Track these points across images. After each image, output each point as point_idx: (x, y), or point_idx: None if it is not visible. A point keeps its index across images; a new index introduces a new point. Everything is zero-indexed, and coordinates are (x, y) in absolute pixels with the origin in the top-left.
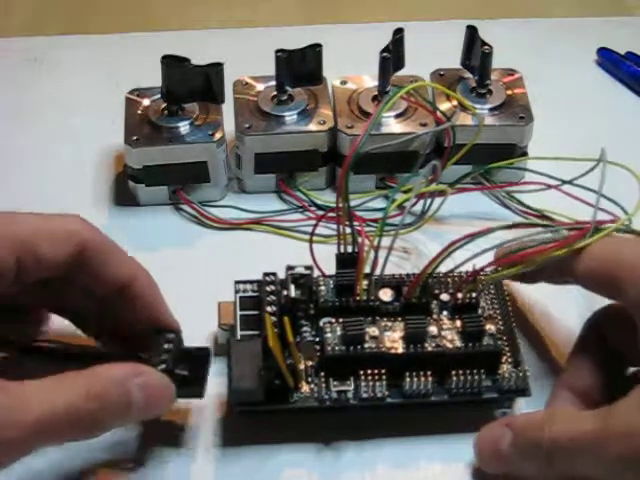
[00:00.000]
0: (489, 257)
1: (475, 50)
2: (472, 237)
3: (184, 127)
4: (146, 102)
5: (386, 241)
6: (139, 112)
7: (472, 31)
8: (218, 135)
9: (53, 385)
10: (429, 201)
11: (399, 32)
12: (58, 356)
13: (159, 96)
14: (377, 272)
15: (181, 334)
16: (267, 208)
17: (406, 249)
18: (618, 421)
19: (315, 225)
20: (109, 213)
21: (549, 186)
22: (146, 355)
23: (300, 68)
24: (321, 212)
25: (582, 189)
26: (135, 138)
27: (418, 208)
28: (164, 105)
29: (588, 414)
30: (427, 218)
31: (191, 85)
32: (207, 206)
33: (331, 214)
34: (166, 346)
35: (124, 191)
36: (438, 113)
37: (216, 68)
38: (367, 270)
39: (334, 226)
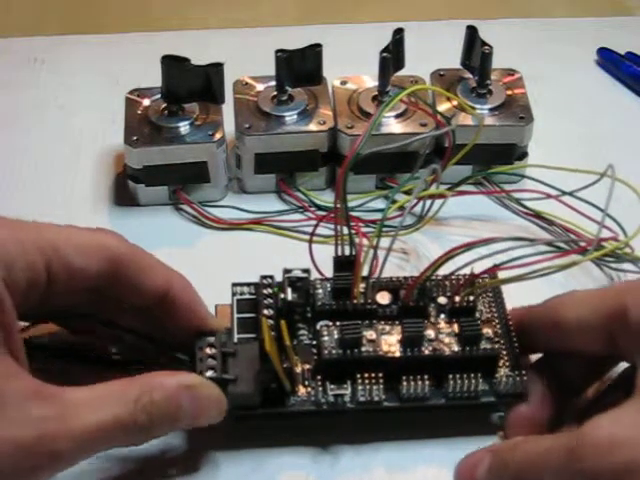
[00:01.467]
0: (488, 262)
1: (475, 50)
2: (471, 246)
3: (184, 127)
4: (146, 102)
5: (385, 242)
6: (139, 112)
7: (472, 31)
8: (218, 135)
9: (102, 394)
10: (429, 203)
11: (399, 32)
12: (100, 361)
13: (159, 96)
14: (375, 275)
15: (222, 336)
16: (267, 208)
17: (405, 250)
18: (596, 434)
19: (315, 226)
20: (109, 213)
21: (549, 195)
22: (188, 359)
23: (300, 68)
24: (321, 212)
25: (582, 201)
26: (135, 138)
27: (418, 210)
28: (164, 105)
29: (557, 434)
30: (427, 219)
31: (191, 85)
32: (207, 206)
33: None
34: (208, 350)
35: (124, 191)
36: (438, 116)
37: (216, 68)
38: (365, 273)
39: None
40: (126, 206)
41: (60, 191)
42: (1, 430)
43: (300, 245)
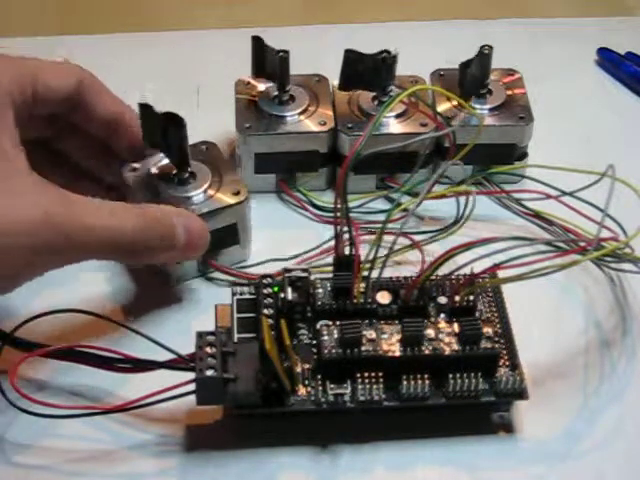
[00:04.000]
0: (488, 262)
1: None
2: (471, 245)
3: (197, 197)
4: (154, 170)
5: (386, 243)
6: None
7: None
8: (244, 193)
9: (109, 207)
10: (462, 205)
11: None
12: (103, 361)
13: (162, 162)
14: (375, 275)
15: (222, 335)
16: (271, 213)
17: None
18: None
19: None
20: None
21: (549, 196)
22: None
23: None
24: (320, 212)
25: (582, 201)
26: None
27: (446, 212)
28: (174, 172)
29: None
30: (462, 222)
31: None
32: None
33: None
34: (208, 350)
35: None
36: (439, 118)
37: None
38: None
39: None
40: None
41: None
42: (11, 210)
43: None
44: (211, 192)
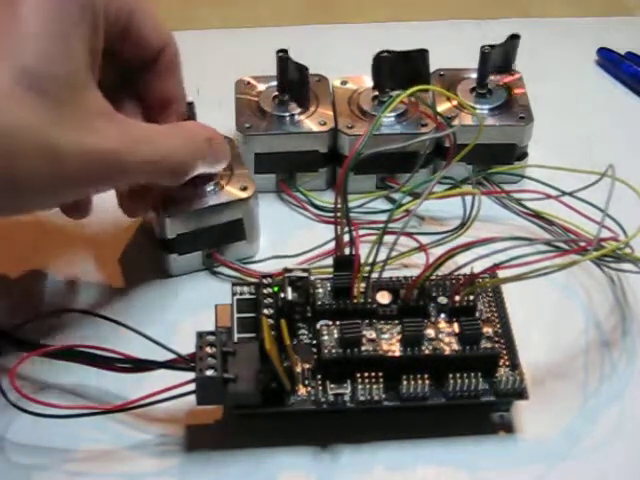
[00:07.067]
0: (488, 262)
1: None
2: (471, 245)
3: (208, 186)
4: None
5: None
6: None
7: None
8: (251, 189)
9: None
10: (469, 206)
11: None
12: (106, 361)
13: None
14: (375, 275)
15: (222, 335)
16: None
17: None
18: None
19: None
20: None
21: (548, 196)
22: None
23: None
24: (321, 213)
25: (582, 201)
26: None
27: (446, 212)
28: None
29: None
30: (469, 222)
31: None
32: (245, 262)
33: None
34: (208, 349)
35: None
36: (439, 118)
37: None
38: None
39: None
40: (158, 279)
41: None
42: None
43: None
44: (222, 183)
